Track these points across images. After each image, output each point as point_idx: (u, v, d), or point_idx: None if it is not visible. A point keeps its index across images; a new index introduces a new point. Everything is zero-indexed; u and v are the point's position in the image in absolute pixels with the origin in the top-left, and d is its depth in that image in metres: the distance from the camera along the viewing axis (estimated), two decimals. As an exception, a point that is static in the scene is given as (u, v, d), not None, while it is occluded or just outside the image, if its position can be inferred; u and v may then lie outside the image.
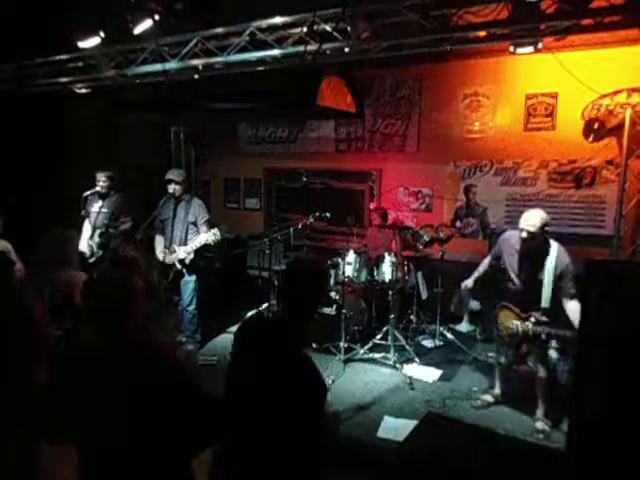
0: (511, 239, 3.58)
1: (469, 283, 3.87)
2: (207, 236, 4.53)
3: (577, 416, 1.91)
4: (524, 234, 3.34)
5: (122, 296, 1.83)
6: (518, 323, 3.49)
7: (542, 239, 3.36)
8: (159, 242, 4.87)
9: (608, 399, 1.72)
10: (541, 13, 3.25)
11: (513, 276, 3.55)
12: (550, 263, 3.34)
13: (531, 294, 3.42)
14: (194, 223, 4.72)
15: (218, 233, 4.53)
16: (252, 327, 1.97)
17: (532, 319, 3.41)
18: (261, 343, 1.81)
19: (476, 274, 3.87)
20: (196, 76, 4.78)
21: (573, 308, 3.24)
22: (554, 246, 3.39)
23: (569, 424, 2.06)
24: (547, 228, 3.34)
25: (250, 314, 2.13)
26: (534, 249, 3.40)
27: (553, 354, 3.43)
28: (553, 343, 3.42)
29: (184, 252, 4.62)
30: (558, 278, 3.33)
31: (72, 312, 2.78)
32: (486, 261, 3.88)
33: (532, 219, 3.31)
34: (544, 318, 3.36)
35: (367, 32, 3.67)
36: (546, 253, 3.37)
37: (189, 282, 4.80)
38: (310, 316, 1.85)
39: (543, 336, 3.35)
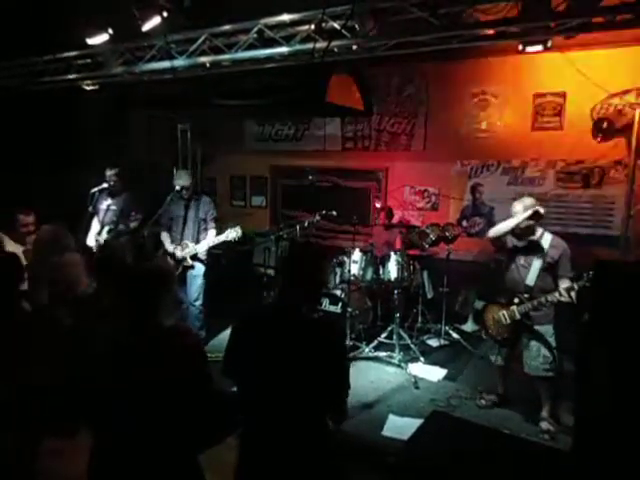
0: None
1: None
2: (228, 232, 4.66)
3: (582, 415, 1.90)
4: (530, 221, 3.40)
5: (162, 283, 1.86)
6: (504, 311, 3.54)
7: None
8: (166, 237, 4.89)
9: (614, 398, 1.71)
10: (552, 11, 3.23)
11: (514, 265, 3.57)
12: (544, 246, 3.41)
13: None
14: (204, 220, 4.82)
15: (239, 230, 4.66)
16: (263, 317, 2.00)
17: (516, 300, 3.47)
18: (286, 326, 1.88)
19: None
20: (203, 73, 4.79)
21: (566, 284, 3.32)
22: (545, 233, 3.47)
23: (574, 424, 2.05)
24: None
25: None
26: (528, 233, 3.47)
27: (552, 342, 3.45)
28: (550, 332, 3.46)
29: (206, 245, 4.72)
30: (557, 260, 3.39)
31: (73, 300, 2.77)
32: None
33: (528, 202, 3.43)
34: (526, 295, 3.42)
35: (375, 30, 3.66)
36: (538, 236, 3.46)
37: (197, 277, 4.83)
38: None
39: (531, 311, 3.40)
